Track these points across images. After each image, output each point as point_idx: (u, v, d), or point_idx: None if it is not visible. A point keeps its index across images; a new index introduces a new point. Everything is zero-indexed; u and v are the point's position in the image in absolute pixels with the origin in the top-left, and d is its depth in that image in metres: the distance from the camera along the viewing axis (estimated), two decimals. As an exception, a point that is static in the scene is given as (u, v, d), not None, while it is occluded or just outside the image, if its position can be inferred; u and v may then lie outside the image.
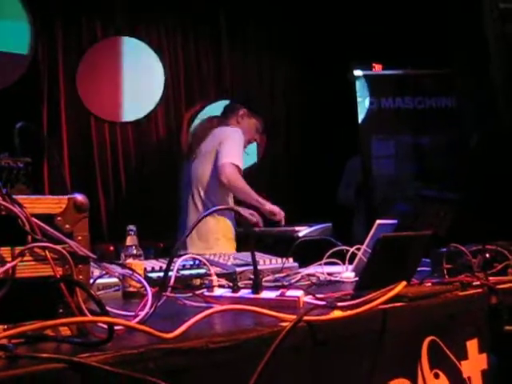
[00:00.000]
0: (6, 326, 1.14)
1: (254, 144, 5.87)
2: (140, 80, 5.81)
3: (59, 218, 1.27)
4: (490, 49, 4.81)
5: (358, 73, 5.67)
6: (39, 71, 5.28)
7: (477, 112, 5.41)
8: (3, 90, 4.97)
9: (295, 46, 6.49)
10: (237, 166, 3.85)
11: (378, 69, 5.82)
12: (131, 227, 2.09)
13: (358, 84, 5.68)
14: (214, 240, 3.89)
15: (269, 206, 3.99)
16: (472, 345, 1.85)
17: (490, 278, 2.08)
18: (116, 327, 1.16)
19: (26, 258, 1.20)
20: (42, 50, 5.30)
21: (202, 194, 4.00)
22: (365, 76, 5.75)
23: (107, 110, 5.67)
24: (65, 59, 5.47)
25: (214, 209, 3.01)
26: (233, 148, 3.90)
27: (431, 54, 5.56)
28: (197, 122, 4.54)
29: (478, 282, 2.00)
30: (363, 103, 5.67)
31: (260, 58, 6.50)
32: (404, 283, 1.61)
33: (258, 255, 2.66)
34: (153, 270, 2.29)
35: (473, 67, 5.37)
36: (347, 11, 6.10)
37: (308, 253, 2.82)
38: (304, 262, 2.73)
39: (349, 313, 1.46)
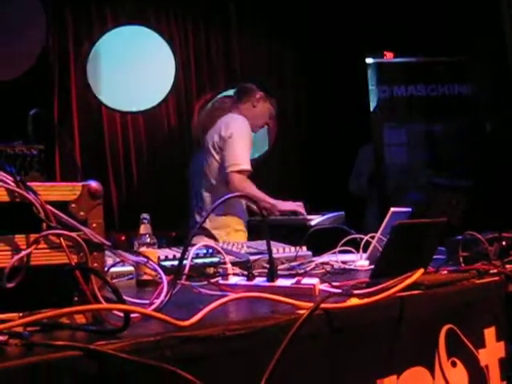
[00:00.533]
0: (21, 314, 1.13)
1: (265, 132, 5.88)
2: (151, 69, 5.80)
3: (73, 205, 1.26)
4: (506, 37, 4.76)
5: (369, 60, 5.63)
6: (50, 61, 5.27)
7: (491, 99, 5.37)
8: (15, 79, 4.98)
9: (306, 34, 6.45)
10: (245, 171, 3.80)
11: (389, 56, 5.78)
12: (145, 215, 2.08)
13: (369, 72, 5.65)
14: (224, 235, 3.85)
15: (283, 206, 3.92)
16: (489, 333, 1.83)
17: (507, 266, 2.06)
18: (131, 315, 1.15)
19: (40, 246, 1.19)
20: (52, 38, 5.30)
21: (213, 184, 3.95)
22: (377, 64, 5.72)
23: (118, 99, 5.67)
24: (75, 48, 5.47)
25: (231, 195, 3.00)
26: (239, 150, 3.82)
27: (443, 41, 5.53)
28: (209, 104, 4.49)
29: (495, 270, 1.98)
30: (375, 91, 5.63)
31: (270, 45, 6.48)
32: (422, 270, 1.59)
33: (272, 244, 2.63)
34: (166, 259, 2.28)
35: (488, 54, 5.32)
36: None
37: (321, 241, 2.81)
38: (317, 251, 2.72)
39: (366, 300, 1.44)
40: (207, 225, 3.77)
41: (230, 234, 3.88)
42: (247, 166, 3.81)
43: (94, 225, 1.28)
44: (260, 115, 4.11)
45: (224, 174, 3.82)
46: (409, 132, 5.64)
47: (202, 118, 4.26)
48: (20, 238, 1.18)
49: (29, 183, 1.22)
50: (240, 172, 3.78)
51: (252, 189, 3.81)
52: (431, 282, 1.70)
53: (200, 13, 6.11)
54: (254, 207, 3.89)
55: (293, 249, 2.69)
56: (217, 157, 3.90)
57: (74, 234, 1.21)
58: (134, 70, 5.71)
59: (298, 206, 3.96)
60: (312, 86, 6.54)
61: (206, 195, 3.97)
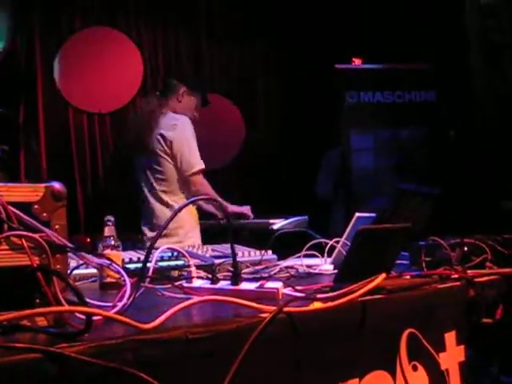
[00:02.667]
0: (-19, 316, 1.12)
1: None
2: (118, 70, 5.76)
3: (36, 207, 1.25)
4: (471, 44, 4.83)
5: (338, 66, 5.67)
6: (17, 61, 5.22)
7: (455, 107, 5.44)
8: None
9: (276, 40, 6.46)
10: (201, 171, 3.97)
11: (357, 63, 5.84)
12: (109, 218, 2.06)
13: (338, 77, 5.69)
14: (183, 234, 3.94)
15: (232, 208, 4.14)
16: (450, 337, 1.86)
17: (468, 272, 2.09)
18: (94, 318, 1.14)
19: (2, 247, 1.18)
20: (20, 39, 5.24)
21: (167, 189, 4.02)
22: (344, 70, 5.77)
23: (85, 100, 5.62)
24: (43, 49, 5.42)
25: (196, 198, 3.03)
26: (192, 150, 3.96)
27: (410, 49, 5.59)
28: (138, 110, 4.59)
29: (457, 275, 2.01)
30: (342, 97, 5.68)
31: (241, 49, 6.48)
32: (384, 275, 1.61)
33: (237, 247, 2.65)
34: (131, 261, 2.27)
35: (452, 62, 5.39)
36: (329, 5, 6.10)
37: (286, 245, 2.82)
38: (281, 255, 2.73)
39: (328, 304, 1.46)
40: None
41: (188, 232, 3.99)
42: (201, 165, 3.97)
43: (57, 226, 1.27)
44: (186, 109, 4.19)
45: (184, 177, 3.96)
46: (375, 138, 5.69)
47: (136, 122, 4.28)
48: (-19, 239, 1.17)
49: (-10, 184, 1.21)
50: (198, 173, 3.95)
51: (209, 189, 3.98)
52: (393, 287, 1.72)
53: (170, 14, 6.09)
54: (208, 208, 4.14)
55: (258, 252, 2.69)
56: (168, 159, 3.98)
57: (36, 236, 1.20)
58: (102, 71, 5.67)
59: (245, 209, 4.18)
60: (281, 90, 6.56)
61: (164, 195, 4.03)
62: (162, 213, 3.99)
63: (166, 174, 4.00)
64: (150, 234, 4.04)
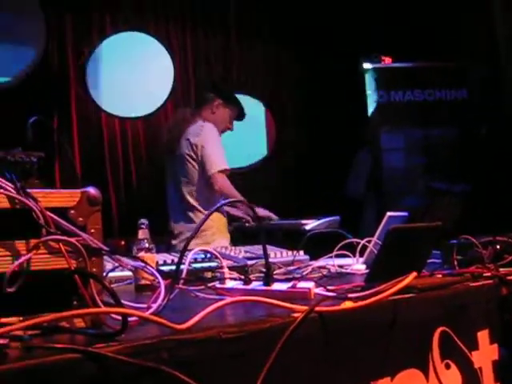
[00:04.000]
0: (21, 318, 1.16)
1: (263, 137, 5.93)
2: (149, 75, 5.83)
3: (72, 212, 1.28)
4: (500, 43, 4.79)
5: (367, 66, 5.67)
6: (50, 67, 5.31)
7: (486, 105, 5.40)
8: (14, 86, 5.00)
9: (305, 40, 6.48)
10: (225, 171, 4.03)
11: (387, 62, 5.82)
12: (143, 221, 2.09)
13: (367, 77, 5.69)
14: (210, 235, 3.98)
15: (259, 211, 4.08)
16: (483, 335, 1.85)
17: (501, 270, 2.08)
18: (129, 319, 1.17)
19: (40, 251, 1.22)
20: (51, 44, 5.33)
21: (192, 191, 4.11)
22: (374, 69, 5.76)
23: (117, 105, 5.69)
24: (74, 54, 5.50)
25: (225, 202, 3.07)
26: (215, 152, 4.05)
27: (441, 47, 5.56)
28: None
29: (489, 274, 2.00)
30: (373, 96, 5.67)
31: (268, 51, 6.50)
32: (414, 274, 1.62)
33: (269, 248, 2.67)
34: (165, 263, 2.30)
35: (483, 60, 5.35)
36: (358, 3, 6.09)
37: (318, 246, 2.83)
38: (313, 255, 2.74)
39: (359, 303, 1.47)
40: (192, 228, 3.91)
41: (214, 234, 4.03)
42: (226, 166, 4.04)
43: (93, 230, 1.31)
44: (220, 121, 4.26)
45: (207, 177, 4.02)
46: (406, 137, 5.67)
47: (169, 130, 4.39)
48: (20, 244, 1.21)
49: (29, 190, 1.24)
50: (221, 172, 4.01)
51: (233, 191, 4.02)
52: (425, 285, 1.72)
53: (199, 18, 6.14)
54: (234, 212, 4.24)
55: (290, 253, 2.71)
56: (193, 163, 4.08)
57: (72, 240, 1.24)
58: (133, 76, 5.74)
59: (271, 214, 4.21)
60: (310, 90, 6.57)
61: (191, 198, 4.11)
62: (188, 217, 4.08)
63: (192, 177, 4.10)
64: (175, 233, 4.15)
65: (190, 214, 4.10)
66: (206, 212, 3.33)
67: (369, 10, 6.07)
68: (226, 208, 4.18)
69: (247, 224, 4.17)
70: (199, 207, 4.08)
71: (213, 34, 6.24)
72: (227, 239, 4.13)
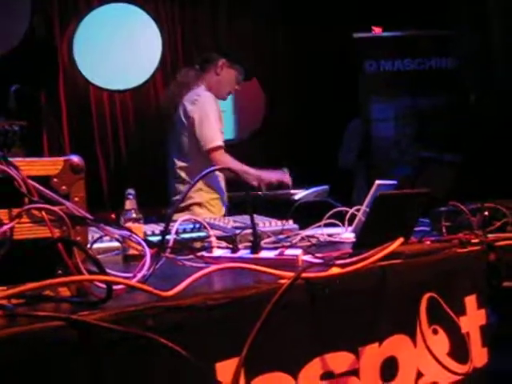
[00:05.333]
0: (5, 287, 1.15)
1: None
2: (137, 47, 5.78)
3: (55, 180, 1.27)
4: (490, 10, 4.76)
5: (356, 35, 5.64)
6: (36, 39, 5.25)
7: (475, 72, 5.38)
8: (1, 57, 4.96)
9: (293, 10, 6.42)
10: (219, 147, 3.86)
11: (377, 31, 5.79)
12: (130, 191, 2.08)
13: (357, 46, 5.66)
14: (196, 209, 3.90)
15: (268, 176, 4.01)
16: (470, 301, 1.86)
17: (489, 236, 2.08)
18: (115, 287, 1.17)
19: (23, 220, 1.20)
20: (38, 17, 5.27)
21: (187, 160, 3.98)
22: (364, 38, 5.73)
23: (106, 77, 5.65)
24: (62, 26, 5.45)
25: (213, 168, 3.03)
26: (210, 127, 3.87)
27: (430, 16, 5.53)
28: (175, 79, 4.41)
29: (477, 240, 2.00)
30: (362, 66, 5.64)
31: (257, 22, 6.45)
32: (401, 240, 1.61)
33: (258, 218, 2.66)
34: (153, 234, 2.29)
35: (472, 28, 5.33)
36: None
37: (307, 215, 2.82)
38: (303, 225, 2.73)
39: (346, 269, 1.47)
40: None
41: (202, 208, 3.93)
42: (220, 142, 3.88)
43: (77, 199, 1.29)
44: (225, 82, 4.12)
45: (203, 152, 3.86)
46: (396, 107, 5.66)
47: (168, 94, 4.27)
48: (2, 213, 1.19)
49: (10, 159, 1.23)
50: (216, 148, 3.85)
51: (234, 163, 3.87)
52: (412, 252, 1.72)
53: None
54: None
55: (279, 223, 2.71)
56: (186, 134, 3.94)
57: (56, 208, 1.23)
58: (121, 48, 5.69)
59: (282, 175, 4.04)
60: (300, 61, 6.53)
61: (181, 171, 4.00)
62: (178, 189, 3.98)
63: (185, 149, 3.96)
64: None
65: (181, 188, 3.97)
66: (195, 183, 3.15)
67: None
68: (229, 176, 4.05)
69: (260, 193, 4.06)
70: (191, 182, 3.90)
71: (201, 6, 6.18)
72: (220, 211, 4.02)
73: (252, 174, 3.92)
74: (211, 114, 3.90)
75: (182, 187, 3.96)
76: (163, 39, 5.91)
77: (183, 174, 3.96)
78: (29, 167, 1.25)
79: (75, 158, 1.29)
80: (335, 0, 6.09)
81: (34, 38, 5.24)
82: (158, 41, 5.89)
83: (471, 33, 5.37)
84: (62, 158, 1.28)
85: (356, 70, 5.69)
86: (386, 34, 5.76)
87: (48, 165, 1.28)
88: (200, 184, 3.88)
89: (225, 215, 3.90)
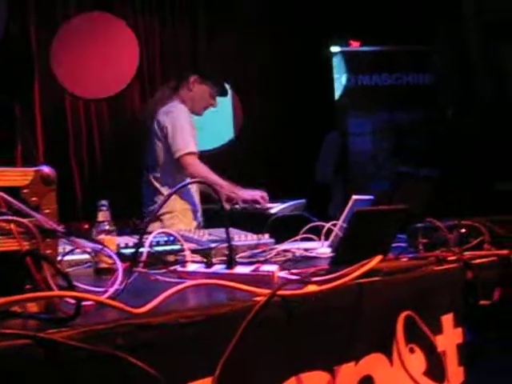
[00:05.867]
0: (-30, 302, 1.11)
1: (230, 121, 5.87)
2: (114, 55, 5.73)
3: (25, 191, 1.23)
4: (468, 27, 4.80)
5: (335, 49, 5.65)
6: (12, 48, 5.19)
7: (453, 89, 5.42)
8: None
9: (271, 23, 6.42)
10: (191, 153, 3.86)
11: (355, 45, 5.81)
12: (103, 202, 2.05)
13: (334, 60, 5.67)
14: (168, 219, 3.87)
15: (244, 194, 3.94)
16: (447, 319, 1.84)
17: (466, 253, 2.07)
18: (85, 303, 1.13)
19: (-9, 232, 1.16)
20: (14, 24, 5.21)
21: (157, 176, 3.99)
22: (342, 52, 5.74)
23: (82, 86, 5.60)
24: (38, 34, 5.39)
25: (191, 181, 2.99)
26: (182, 135, 3.89)
27: (408, 31, 5.56)
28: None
29: (454, 257, 1.99)
30: (340, 80, 5.65)
31: (236, 33, 6.43)
32: (380, 257, 1.59)
33: (234, 231, 2.63)
34: (127, 247, 2.25)
35: (449, 44, 5.36)
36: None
37: (283, 229, 2.80)
38: (279, 239, 2.71)
39: (323, 287, 1.44)
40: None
41: (173, 218, 3.89)
42: (193, 149, 3.88)
43: (47, 211, 1.25)
44: (198, 98, 4.14)
45: (175, 160, 3.87)
46: (373, 121, 5.67)
47: (145, 109, 4.33)
48: (-31, 225, 1.15)
49: (-21, 168, 1.19)
50: (188, 154, 3.85)
51: (209, 174, 3.87)
52: (390, 269, 1.70)
53: (166, 0, 6.06)
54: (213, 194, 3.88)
55: (255, 236, 2.68)
56: (159, 145, 3.96)
57: (25, 220, 1.19)
58: (98, 57, 5.64)
59: (259, 196, 3.95)
60: (277, 74, 6.52)
61: (155, 181, 4.00)
62: (151, 200, 3.98)
63: (159, 160, 3.97)
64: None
65: (156, 200, 3.97)
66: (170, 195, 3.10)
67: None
68: (207, 191, 4.02)
69: (237, 206, 4.02)
70: (165, 193, 3.92)
71: (179, 16, 6.16)
72: (192, 223, 3.98)
73: (225, 188, 3.88)
74: (184, 124, 3.94)
75: (155, 198, 3.94)
76: (140, 49, 5.88)
77: (157, 185, 3.96)
78: (-2, 177, 1.21)
79: (46, 169, 1.26)
80: (314, 13, 6.09)
81: (9, 46, 5.17)
82: (135, 50, 5.85)
83: (448, 48, 5.40)
84: (32, 169, 1.25)
85: (334, 83, 5.69)
86: (364, 48, 5.78)
87: (18, 175, 1.24)
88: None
89: (199, 227, 3.88)
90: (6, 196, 1.19)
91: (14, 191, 1.22)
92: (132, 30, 5.84)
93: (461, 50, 5.01)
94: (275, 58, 6.51)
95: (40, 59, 5.40)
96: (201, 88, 4.14)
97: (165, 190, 3.91)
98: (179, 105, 4.04)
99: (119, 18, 5.79)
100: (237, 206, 3.93)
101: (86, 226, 4.70)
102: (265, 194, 3.96)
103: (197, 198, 4.09)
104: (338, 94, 5.67)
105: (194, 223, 4.01)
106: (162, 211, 3.83)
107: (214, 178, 3.86)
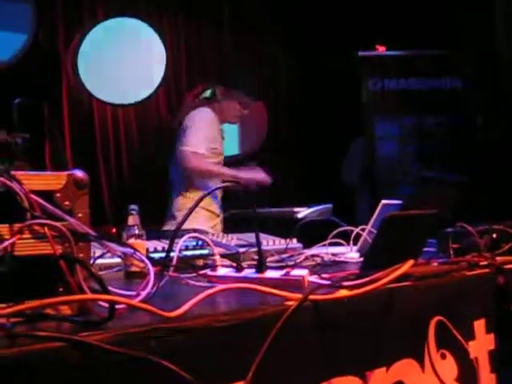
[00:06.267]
0: (5, 305, 1.11)
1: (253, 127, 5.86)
2: (141, 62, 5.77)
3: (59, 195, 1.24)
4: (497, 31, 4.75)
5: (361, 54, 5.63)
6: (41, 51, 5.24)
7: (482, 94, 5.37)
8: (4, 69, 4.94)
9: (299, 27, 6.42)
10: (196, 154, 3.76)
11: (381, 50, 5.79)
12: (133, 207, 2.05)
13: (361, 65, 5.65)
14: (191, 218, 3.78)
15: (245, 175, 3.88)
16: (479, 325, 1.82)
17: (497, 258, 2.05)
18: (117, 306, 1.13)
19: (24, 236, 1.17)
20: (42, 30, 5.27)
21: (183, 178, 3.92)
22: (369, 57, 5.72)
23: (109, 92, 5.63)
24: (66, 40, 5.43)
25: (218, 187, 2.95)
26: (194, 134, 3.81)
27: (435, 35, 5.52)
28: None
29: (485, 262, 1.97)
30: (367, 84, 5.63)
31: (262, 40, 6.43)
32: (411, 262, 1.58)
33: (262, 236, 2.62)
34: (155, 251, 2.26)
35: (479, 49, 5.32)
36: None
37: (312, 234, 2.79)
38: (306, 243, 2.71)
39: (355, 292, 1.43)
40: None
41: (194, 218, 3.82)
42: (200, 149, 3.78)
43: (80, 215, 1.26)
44: (227, 108, 4.03)
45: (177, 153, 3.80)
46: (400, 125, 5.65)
47: (178, 116, 4.25)
48: (4, 228, 1.16)
49: (13, 172, 1.19)
50: (192, 152, 3.75)
51: (206, 165, 3.81)
52: (421, 274, 1.69)
53: (192, 4, 6.08)
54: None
55: (283, 241, 2.68)
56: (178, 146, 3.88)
57: (58, 224, 1.19)
58: (125, 63, 5.68)
59: (259, 174, 3.95)
60: (305, 79, 6.51)
61: (179, 185, 3.94)
62: (178, 204, 3.91)
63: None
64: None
65: (180, 201, 3.91)
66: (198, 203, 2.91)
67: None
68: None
69: (264, 210, 3.95)
70: (190, 196, 3.87)
71: (206, 21, 6.17)
72: (209, 228, 3.84)
73: (227, 174, 3.84)
74: (202, 127, 3.86)
75: (182, 201, 3.90)
76: (167, 55, 5.90)
77: (182, 190, 3.92)
78: (32, 181, 1.22)
79: (79, 173, 1.27)
80: (340, 18, 6.08)
81: (38, 50, 5.22)
82: (163, 56, 5.87)
83: (477, 53, 5.36)
84: (65, 173, 1.26)
85: (360, 87, 5.68)
86: (390, 52, 5.76)
87: (51, 179, 1.25)
88: (196, 193, 3.83)
89: (223, 232, 3.81)
90: (39, 199, 1.20)
91: (47, 195, 1.23)
92: (159, 35, 5.86)
93: (490, 52, 4.95)
94: (302, 62, 6.51)
95: (68, 63, 5.44)
96: (229, 98, 4.06)
97: (191, 196, 3.88)
98: (206, 109, 3.98)
99: (146, 23, 5.82)
100: (263, 211, 3.92)
101: (113, 230, 4.72)
102: (264, 175, 3.95)
103: (218, 204, 4.01)
104: (364, 98, 5.64)
105: (210, 224, 3.91)
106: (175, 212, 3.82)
107: (213, 168, 3.82)
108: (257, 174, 3.95)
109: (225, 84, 4.10)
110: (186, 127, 3.87)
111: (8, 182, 1.17)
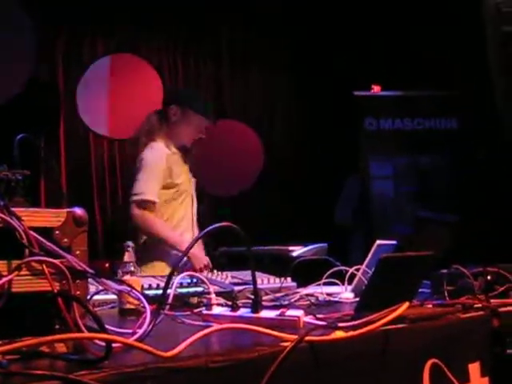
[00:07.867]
0: (0, 342, 1.11)
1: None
2: (139, 97, 5.80)
3: (57, 232, 1.24)
4: (493, 71, 4.79)
5: (357, 93, 5.68)
6: (39, 86, 5.28)
7: (478, 134, 5.40)
8: (3, 104, 4.97)
9: (295, 66, 6.49)
10: (147, 202, 3.58)
11: (377, 89, 5.84)
12: (129, 243, 2.06)
13: (357, 105, 5.70)
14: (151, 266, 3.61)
15: (194, 255, 3.56)
16: (474, 368, 1.82)
17: (492, 301, 2.05)
18: (113, 345, 1.13)
19: (22, 272, 1.17)
20: (42, 65, 5.31)
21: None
22: (364, 97, 5.77)
23: (106, 126, 5.66)
24: (65, 75, 5.48)
25: (216, 226, 2.89)
26: (143, 179, 3.61)
27: (430, 76, 5.58)
28: None
29: (480, 305, 1.97)
30: (362, 123, 5.68)
31: (261, 78, 6.50)
32: (407, 304, 1.58)
33: (257, 274, 2.62)
34: (150, 288, 2.26)
35: (474, 89, 5.36)
36: (348, 31, 6.11)
37: (305, 273, 2.80)
38: (301, 282, 2.71)
39: (351, 333, 1.43)
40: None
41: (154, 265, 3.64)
42: (150, 197, 3.58)
43: (78, 252, 1.27)
44: (182, 130, 3.77)
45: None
46: (395, 165, 5.68)
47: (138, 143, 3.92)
48: (1, 264, 1.16)
49: (12, 208, 1.20)
50: (142, 202, 3.58)
51: (157, 227, 3.63)
52: (416, 316, 1.69)
53: (190, 42, 6.14)
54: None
55: (277, 280, 2.68)
56: None
57: (56, 261, 1.20)
58: (123, 98, 5.71)
59: (203, 262, 3.60)
60: (299, 117, 6.57)
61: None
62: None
63: None
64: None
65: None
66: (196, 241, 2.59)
67: (359, 37, 6.09)
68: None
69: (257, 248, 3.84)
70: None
71: (204, 56, 6.24)
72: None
73: (172, 242, 3.62)
74: (152, 166, 3.65)
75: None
76: (165, 89, 5.94)
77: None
78: (31, 218, 1.23)
79: (78, 211, 1.27)
80: (336, 57, 6.14)
81: (38, 85, 5.25)
82: (160, 91, 5.91)
83: (472, 93, 5.40)
84: (65, 210, 1.27)
85: (356, 127, 5.72)
86: (386, 92, 5.81)
87: (51, 216, 1.26)
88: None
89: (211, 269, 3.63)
90: (38, 236, 1.20)
91: (46, 231, 1.23)
92: (156, 70, 5.92)
93: (486, 93, 4.98)
94: (297, 101, 6.56)
95: (66, 99, 5.48)
96: (187, 119, 3.78)
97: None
98: (154, 145, 3.72)
99: (144, 58, 5.87)
100: (257, 248, 3.90)
101: (107, 265, 4.70)
102: (207, 263, 3.61)
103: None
104: (360, 137, 5.68)
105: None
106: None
107: (163, 231, 3.64)
108: (202, 262, 3.59)
109: (178, 102, 3.83)
110: (136, 170, 3.68)
111: (7, 219, 1.17)
